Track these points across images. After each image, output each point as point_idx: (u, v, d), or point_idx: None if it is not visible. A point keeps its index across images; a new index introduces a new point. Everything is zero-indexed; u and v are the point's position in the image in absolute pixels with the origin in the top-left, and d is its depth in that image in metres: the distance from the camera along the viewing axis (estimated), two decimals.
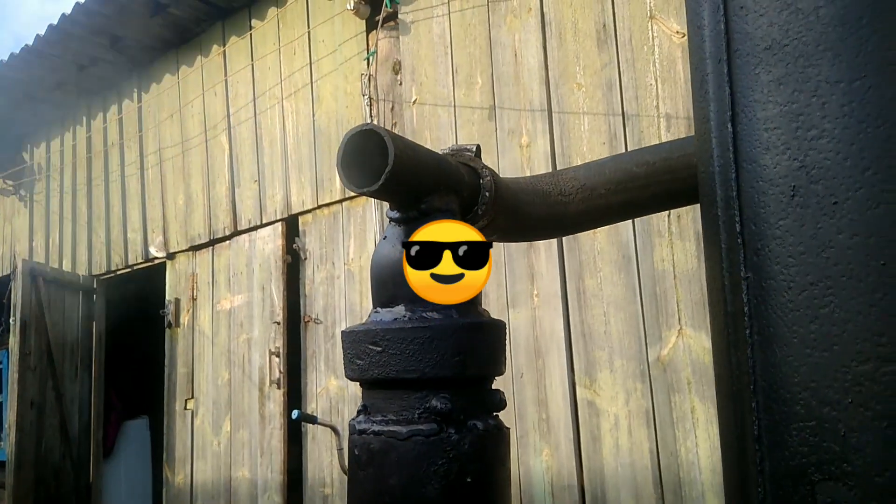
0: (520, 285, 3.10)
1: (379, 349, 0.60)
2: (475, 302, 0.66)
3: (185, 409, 4.83)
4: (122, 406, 6.18)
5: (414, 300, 0.62)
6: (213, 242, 4.79)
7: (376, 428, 0.60)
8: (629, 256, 2.82)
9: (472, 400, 0.61)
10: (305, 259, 4.17)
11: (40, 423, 5.15)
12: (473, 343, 0.61)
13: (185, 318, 4.94)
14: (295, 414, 2.98)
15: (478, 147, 0.74)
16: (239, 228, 4.59)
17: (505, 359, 0.66)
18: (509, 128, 3.24)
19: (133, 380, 6.40)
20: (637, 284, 2.79)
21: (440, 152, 0.73)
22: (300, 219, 4.25)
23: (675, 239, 2.72)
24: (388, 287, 0.64)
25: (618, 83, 2.94)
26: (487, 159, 3.29)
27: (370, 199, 3.82)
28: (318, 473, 3.88)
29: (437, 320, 0.61)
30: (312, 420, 3.04)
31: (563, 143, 3.06)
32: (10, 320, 5.20)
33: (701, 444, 2.58)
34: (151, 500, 6.00)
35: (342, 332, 0.66)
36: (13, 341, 5.14)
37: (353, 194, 3.89)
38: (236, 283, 4.55)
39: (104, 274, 5.70)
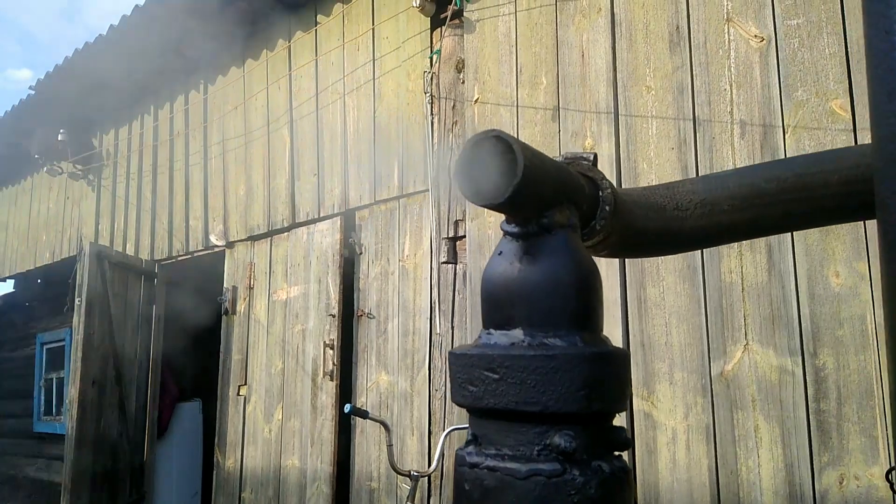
0: None
1: (496, 376, 0.55)
2: (597, 326, 0.61)
3: (238, 395, 4.93)
4: (177, 389, 6.35)
5: (533, 323, 0.57)
6: (271, 233, 4.87)
7: (491, 463, 0.55)
8: (695, 267, 2.74)
9: (597, 438, 0.56)
10: (361, 254, 4.20)
11: (101, 401, 5.34)
12: (600, 375, 0.56)
13: (241, 307, 5.05)
14: (347, 408, 3.00)
15: (595, 156, 0.69)
16: (297, 221, 4.65)
17: (629, 391, 0.62)
18: (573, 130, 3.19)
19: (188, 364, 6.57)
20: (702, 296, 2.71)
21: (557, 160, 0.69)
22: (357, 214, 4.28)
23: (744, 250, 2.63)
24: (504, 307, 0.58)
25: (690, 87, 2.85)
26: None
27: (426, 195, 3.84)
28: (366, 467, 3.90)
29: (561, 348, 0.55)
30: (364, 415, 3.05)
31: (630, 147, 2.99)
32: (76, 300, 5.40)
33: (763, 465, 2.49)
34: (201, 482, 6.16)
35: (450, 353, 0.61)
36: (77, 320, 5.33)
37: (410, 191, 3.90)
38: (293, 274, 4.62)
39: (165, 259, 5.86)
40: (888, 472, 0.91)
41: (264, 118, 5.03)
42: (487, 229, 3.45)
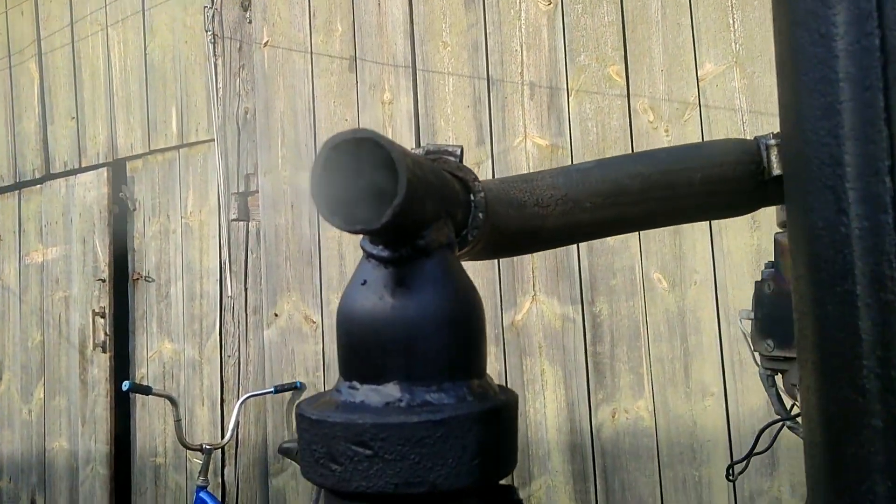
0: None
1: (369, 452, 0.43)
2: (484, 368, 0.50)
3: None
4: None
5: (411, 374, 0.45)
6: (19, 186, 4.17)
7: None
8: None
9: None
10: (135, 210, 3.76)
11: None
12: (496, 433, 0.46)
13: None
14: (126, 385, 2.70)
15: (462, 150, 0.58)
16: (53, 171, 4.03)
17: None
18: (371, 82, 3.09)
19: None
20: None
21: (418, 152, 0.56)
22: (128, 164, 3.81)
23: None
24: (373, 355, 0.46)
25: (484, 45, 2.89)
26: (347, 114, 3.13)
27: (211, 145, 3.52)
28: (150, 443, 3.59)
29: (451, 408, 0.44)
30: (147, 391, 2.78)
31: (427, 103, 2.97)
32: None
33: (549, 405, 2.70)
34: None
35: (301, 413, 0.47)
36: None
37: (192, 140, 3.55)
38: (50, 233, 4.01)
39: None
40: (728, 468, 0.98)
41: (4, 48, 4.22)
42: (283, 184, 3.26)
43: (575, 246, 2.68)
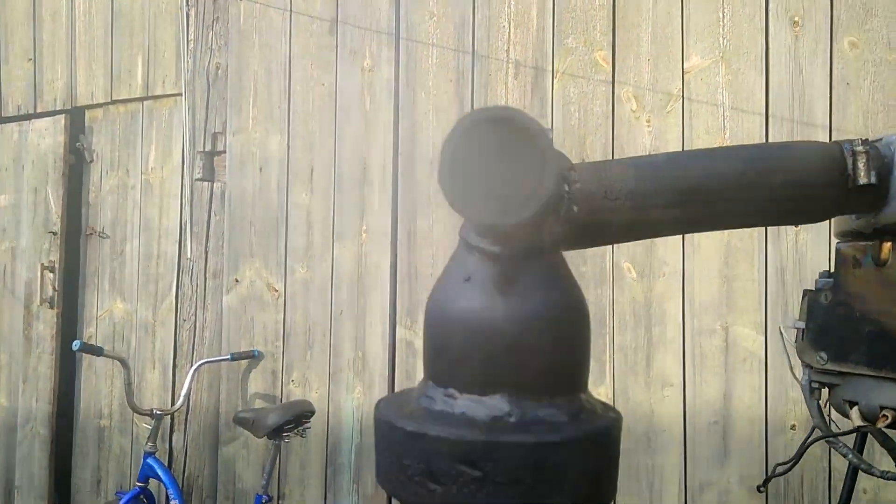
0: (349, 218, 2.94)
1: (478, 474, 0.37)
2: (586, 383, 0.45)
3: None
4: None
5: (521, 387, 0.39)
6: None
7: None
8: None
9: None
10: (92, 161, 3.59)
11: None
12: (610, 457, 0.41)
13: None
14: (76, 345, 2.59)
15: (552, 131, 0.50)
16: (5, 115, 3.81)
17: None
18: (352, 47, 2.99)
19: None
20: None
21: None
22: (87, 113, 3.63)
23: None
24: (479, 361, 0.40)
25: (471, 19, 2.82)
26: (324, 78, 3.02)
27: (178, 100, 3.37)
28: (94, 404, 3.46)
29: (568, 428, 0.39)
30: (97, 352, 2.66)
31: (409, 74, 2.89)
32: None
33: None
34: None
35: (385, 419, 0.41)
36: None
37: (158, 93, 3.39)
38: (0, 180, 3.80)
39: None
40: (764, 482, 0.94)
41: None
42: (252, 146, 3.14)
43: None
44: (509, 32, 2.76)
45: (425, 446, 0.39)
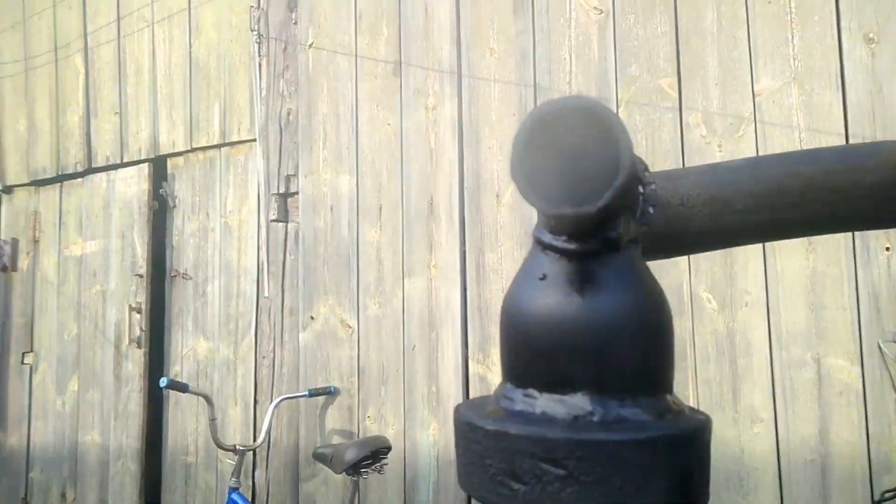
0: (417, 254, 2.98)
1: (562, 472, 0.37)
2: (672, 384, 0.44)
3: (23, 363, 4.29)
4: None
5: (603, 386, 0.39)
6: (61, 179, 4.22)
7: None
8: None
9: None
10: (174, 207, 3.77)
11: None
12: (699, 459, 0.40)
13: (24, 262, 4.35)
14: (164, 382, 2.70)
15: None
16: (94, 165, 4.07)
17: None
18: (415, 87, 3.06)
19: None
20: None
21: None
22: (169, 161, 3.83)
23: None
24: (557, 359, 0.40)
25: (532, 53, 2.84)
26: (390, 118, 3.10)
27: (253, 145, 3.53)
28: (181, 441, 3.60)
29: (655, 427, 0.38)
30: (183, 388, 2.77)
31: (472, 110, 2.93)
32: None
33: None
34: None
35: (466, 420, 0.41)
36: None
37: (234, 139, 3.56)
38: (90, 227, 4.04)
39: None
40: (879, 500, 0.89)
41: (51, 42, 4.28)
42: (323, 186, 3.25)
43: None
44: (570, 64, 2.77)
45: (507, 445, 0.39)
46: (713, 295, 2.41)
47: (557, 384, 0.40)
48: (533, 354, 0.41)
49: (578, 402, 0.39)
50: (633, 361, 0.40)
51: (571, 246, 0.41)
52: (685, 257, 2.48)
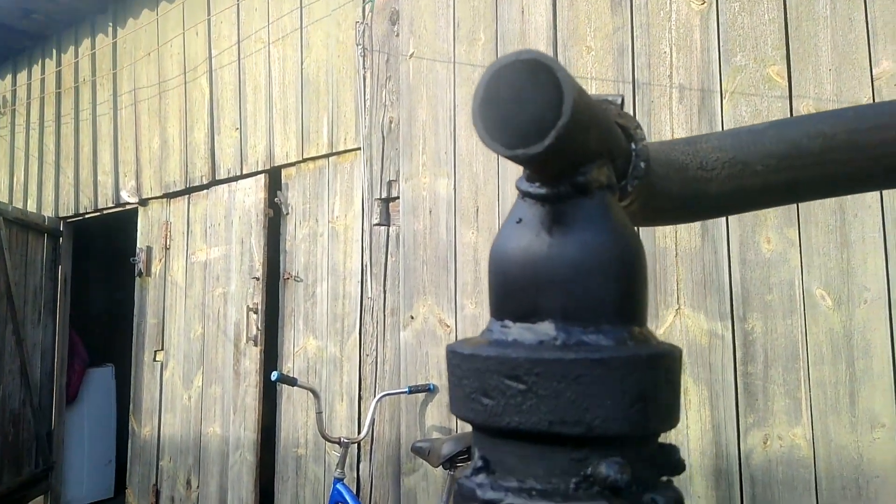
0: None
1: (522, 387, 0.41)
2: (646, 317, 0.47)
3: (155, 360, 4.68)
4: (88, 354, 6.00)
5: (567, 315, 0.43)
6: (189, 191, 4.59)
7: (514, 500, 0.41)
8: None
9: (647, 463, 0.43)
10: (287, 214, 4.01)
11: None
12: (657, 385, 0.43)
13: (156, 268, 4.76)
14: (275, 375, 2.87)
15: (622, 99, 0.54)
16: (217, 178, 4.39)
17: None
18: None
19: (99, 328, 6.20)
20: None
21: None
22: (283, 172, 4.07)
23: None
24: (527, 293, 0.44)
25: (630, 49, 2.80)
26: None
27: (358, 154, 3.69)
28: (293, 434, 3.79)
29: (610, 349, 0.42)
30: (293, 382, 2.93)
31: None
32: None
33: (692, 426, 2.55)
34: (115, 450, 5.88)
35: (452, 350, 0.46)
36: None
37: (341, 148, 3.73)
38: (213, 234, 4.37)
39: (72, 217, 5.45)
40: None
41: (180, 66, 4.68)
42: (422, 190, 3.34)
43: (726, 258, 2.52)
44: (671, 57, 2.70)
45: (479, 366, 0.43)
46: (828, 292, 2.26)
47: (529, 315, 0.44)
48: (508, 290, 0.46)
49: (545, 329, 0.43)
50: (596, 294, 0.44)
51: (542, 191, 0.45)
52: (797, 254, 2.35)
